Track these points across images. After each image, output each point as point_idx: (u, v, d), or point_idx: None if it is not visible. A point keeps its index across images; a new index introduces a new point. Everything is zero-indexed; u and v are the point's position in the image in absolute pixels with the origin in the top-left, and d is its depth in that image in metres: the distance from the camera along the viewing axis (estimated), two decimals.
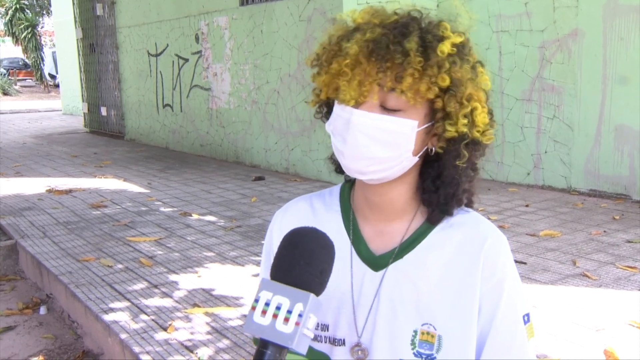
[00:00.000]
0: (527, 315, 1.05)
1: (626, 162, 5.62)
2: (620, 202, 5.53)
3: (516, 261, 3.95)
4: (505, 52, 6.42)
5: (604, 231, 4.63)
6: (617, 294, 3.43)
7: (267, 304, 0.82)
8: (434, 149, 1.02)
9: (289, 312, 0.81)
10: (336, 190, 1.16)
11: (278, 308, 0.82)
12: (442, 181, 1.03)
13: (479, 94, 1.00)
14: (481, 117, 1.00)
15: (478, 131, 1.00)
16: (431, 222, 1.07)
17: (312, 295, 0.83)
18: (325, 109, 1.08)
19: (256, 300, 0.83)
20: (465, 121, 0.98)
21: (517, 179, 6.48)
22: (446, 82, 0.95)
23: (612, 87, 5.65)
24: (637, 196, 5.57)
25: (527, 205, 5.48)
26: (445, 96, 0.96)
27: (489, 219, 4.80)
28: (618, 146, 5.67)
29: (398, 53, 0.94)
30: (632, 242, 4.35)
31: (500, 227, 4.71)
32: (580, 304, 3.30)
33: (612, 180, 5.74)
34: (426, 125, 0.99)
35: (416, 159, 1.01)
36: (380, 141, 0.97)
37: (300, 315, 0.81)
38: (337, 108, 1.00)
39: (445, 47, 0.95)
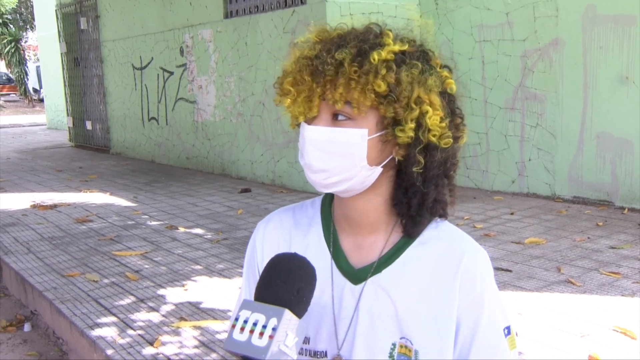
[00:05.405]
0: (508, 327, 1.05)
1: (608, 169, 5.69)
2: (604, 209, 5.59)
3: (502, 269, 4.00)
4: (488, 62, 6.49)
5: (588, 237, 4.67)
6: (601, 300, 3.46)
7: (245, 322, 0.87)
8: (396, 158, 1.02)
9: (264, 327, 0.85)
10: (318, 201, 1.17)
11: (255, 324, 0.86)
12: (410, 191, 1.03)
13: (432, 97, 0.99)
14: (433, 120, 0.98)
15: (434, 135, 0.99)
16: (408, 234, 1.06)
17: (286, 310, 0.86)
18: None
19: (236, 319, 0.88)
20: (413, 125, 0.98)
21: (502, 187, 6.53)
22: (382, 87, 0.95)
23: (593, 95, 5.73)
24: (619, 202, 5.63)
25: (512, 213, 5.53)
26: (385, 101, 0.97)
27: (474, 227, 4.75)
28: (600, 153, 5.74)
29: (331, 65, 0.96)
30: (615, 248, 4.40)
31: (486, 235, 4.75)
32: (565, 310, 3.33)
33: (595, 187, 5.81)
34: (380, 134, 0.99)
35: (379, 169, 1.01)
36: (331, 153, 0.99)
37: (274, 329, 0.84)
38: (300, 127, 1.04)
39: (378, 54, 0.96)
